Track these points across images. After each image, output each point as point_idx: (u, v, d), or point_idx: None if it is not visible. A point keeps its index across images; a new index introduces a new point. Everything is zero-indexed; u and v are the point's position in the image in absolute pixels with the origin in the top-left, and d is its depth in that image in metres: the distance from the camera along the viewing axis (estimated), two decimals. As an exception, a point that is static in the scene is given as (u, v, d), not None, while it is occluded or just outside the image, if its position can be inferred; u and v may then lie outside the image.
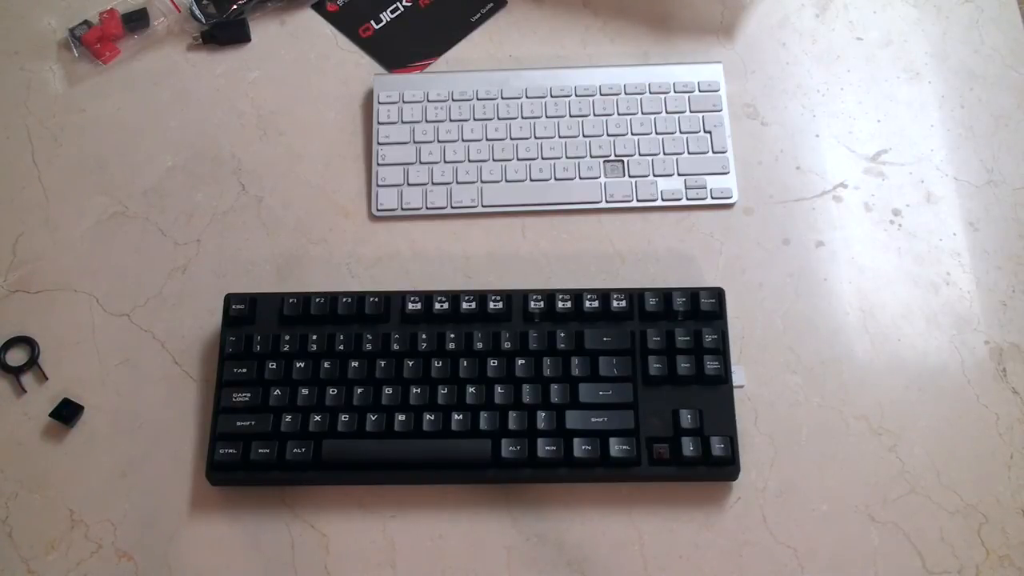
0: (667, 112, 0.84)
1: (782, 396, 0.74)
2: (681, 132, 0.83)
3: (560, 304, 0.74)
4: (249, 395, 0.71)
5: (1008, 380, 0.74)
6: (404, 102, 0.84)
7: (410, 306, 0.74)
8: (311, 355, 0.73)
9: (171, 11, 0.89)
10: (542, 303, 0.74)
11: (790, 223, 0.80)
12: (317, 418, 0.71)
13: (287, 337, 0.73)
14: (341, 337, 0.73)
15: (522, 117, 0.84)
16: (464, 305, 0.74)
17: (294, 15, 0.90)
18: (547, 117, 0.84)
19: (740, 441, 0.71)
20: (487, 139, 0.83)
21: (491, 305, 0.74)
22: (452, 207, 0.81)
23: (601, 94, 0.84)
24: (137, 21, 0.88)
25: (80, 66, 0.87)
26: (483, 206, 0.81)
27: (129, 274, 0.79)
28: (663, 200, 0.81)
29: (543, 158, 0.82)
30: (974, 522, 0.70)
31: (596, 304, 0.74)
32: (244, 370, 0.72)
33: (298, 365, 0.72)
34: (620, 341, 0.73)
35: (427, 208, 0.81)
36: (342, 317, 0.74)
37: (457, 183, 0.82)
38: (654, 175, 0.82)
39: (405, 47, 0.88)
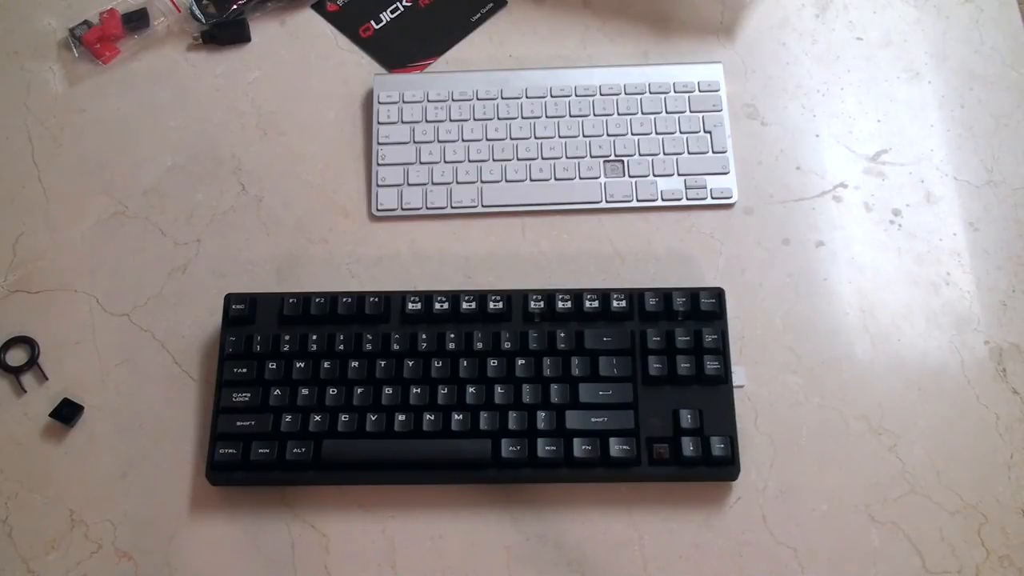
0: (667, 112, 0.84)
1: (782, 396, 0.74)
2: (681, 132, 0.83)
3: (560, 304, 0.74)
4: (249, 395, 0.71)
5: (1008, 380, 0.74)
6: (404, 102, 0.84)
7: (410, 306, 0.74)
8: (311, 355, 0.73)
9: (171, 11, 0.89)
10: (542, 303, 0.74)
11: (790, 223, 0.80)
12: (317, 418, 0.71)
13: (287, 337, 0.73)
14: (341, 337, 0.73)
15: (522, 117, 0.84)
16: (464, 305, 0.74)
17: (294, 15, 0.90)
18: (547, 117, 0.84)
19: (740, 441, 0.71)
20: (487, 139, 0.83)
21: (491, 305, 0.74)
22: (452, 207, 0.81)
23: (601, 94, 0.84)
24: (137, 21, 0.88)
25: (80, 66, 0.87)
26: (483, 206, 0.81)
27: (129, 274, 0.79)
28: (663, 200, 0.81)
29: (543, 158, 0.82)
30: (974, 522, 0.70)
31: (596, 304, 0.74)
32: (244, 370, 0.72)
33: (298, 365, 0.72)
34: (620, 341, 0.73)
35: (427, 208, 0.81)
36: (342, 317, 0.74)
37: (457, 183, 0.82)
38: (654, 175, 0.82)
39: (405, 47, 0.88)
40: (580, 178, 0.82)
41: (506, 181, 0.82)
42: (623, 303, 0.74)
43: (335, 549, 0.70)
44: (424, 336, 0.73)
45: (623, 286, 0.76)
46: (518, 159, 0.82)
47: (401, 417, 0.71)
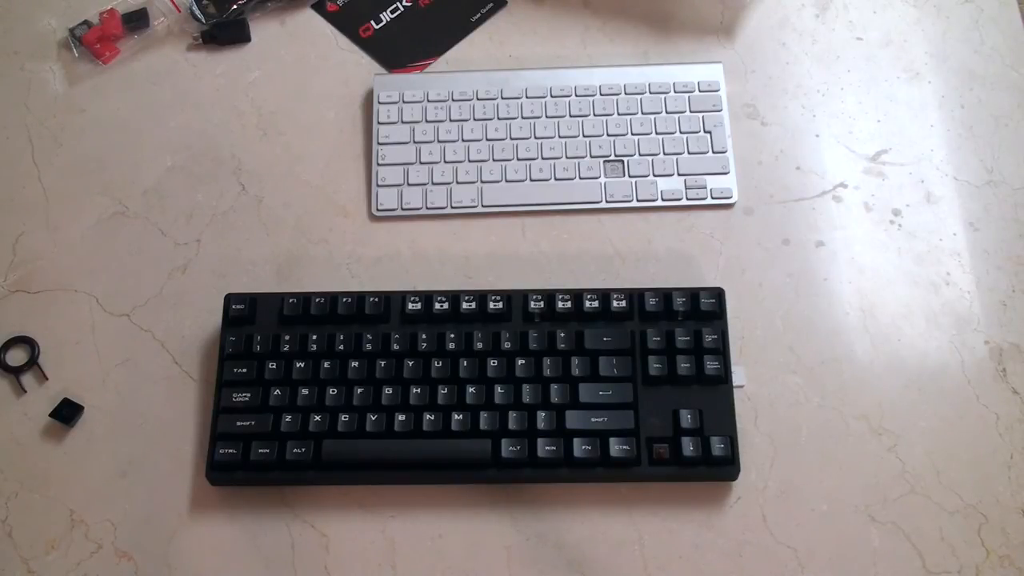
0: (667, 112, 0.84)
1: (782, 396, 0.74)
2: (681, 132, 0.83)
3: (560, 304, 0.74)
4: (249, 395, 0.71)
5: (1008, 380, 0.74)
6: (404, 102, 0.84)
7: (410, 306, 0.74)
8: (311, 355, 0.73)
9: (171, 11, 0.89)
10: (542, 303, 0.74)
11: (790, 223, 0.80)
12: (317, 418, 0.71)
13: (287, 337, 0.73)
14: (341, 337, 0.73)
15: (522, 117, 0.84)
16: (464, 305, 0.74)
17: (294, 15, 0.90)
18: (547, 117, 0.84)
19: (740, 441, 0.71)
20: (487, 139, 0.83)
21: (491, 305, 0.74)
22: (452, 207, 0.81)
23: (601, 94, 0.84)
24: (137, 21, 0.88)
25: (80, 66, 0.87)
26: (483, 206, 0.81)
27: (129, 274, 0.79)
28: (663, 200, 0.81)
29: (543, 158, 0.82)
30: (974, 522, 0.70)
31: (596, 304, 0.74)
32: (244, 370, 0.72)
33: (298, 365, 0.72)
34: (620, 341, 0.73)
35: (427, 208, 0.81)
36: (342, 317, 0.74)
37: (457, 183, 0.82)
38: (654, 175, 0.82)
39: (405, 47, 0.88)
40: (580, 178, 0.82)
41: (506, 181, 0.82)
42: (623, 303, 0.74)
43: (335, 549, 0.70)
44: (424, 336, 0.73)
45: (623, 286, 0.76)
46: (518, 159, 0.82)
47: (401, 417, 0.71)
